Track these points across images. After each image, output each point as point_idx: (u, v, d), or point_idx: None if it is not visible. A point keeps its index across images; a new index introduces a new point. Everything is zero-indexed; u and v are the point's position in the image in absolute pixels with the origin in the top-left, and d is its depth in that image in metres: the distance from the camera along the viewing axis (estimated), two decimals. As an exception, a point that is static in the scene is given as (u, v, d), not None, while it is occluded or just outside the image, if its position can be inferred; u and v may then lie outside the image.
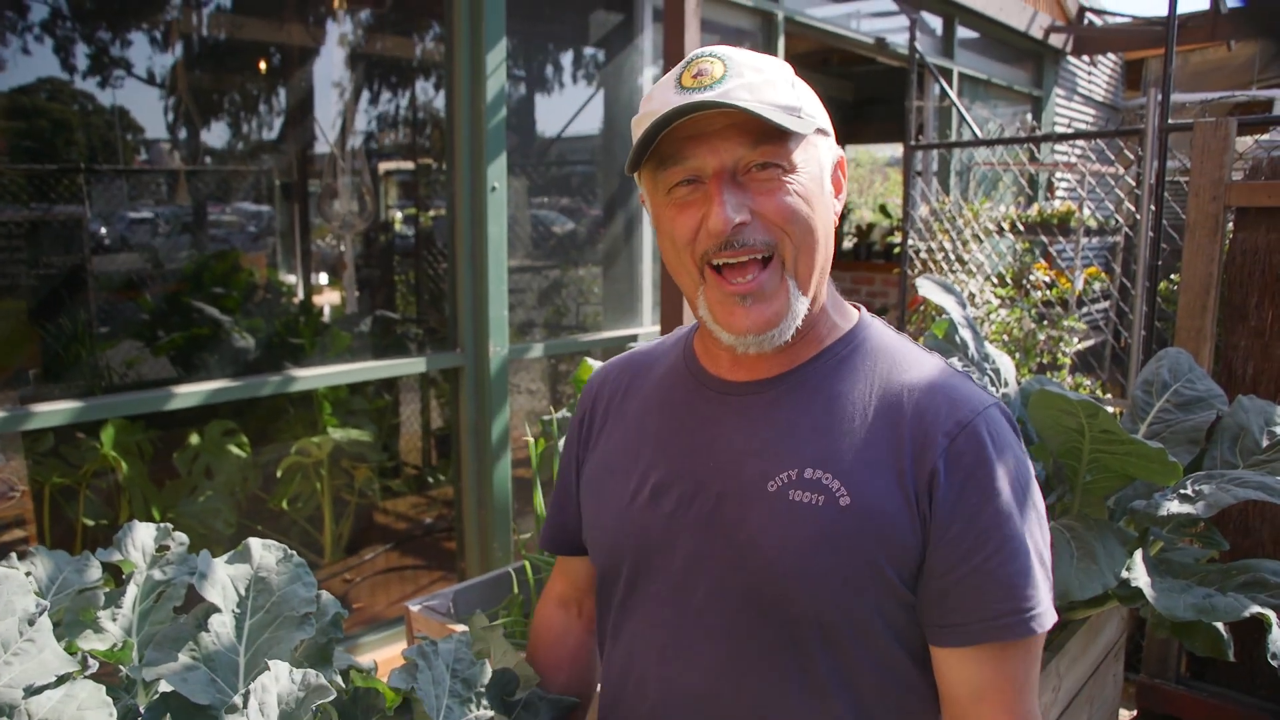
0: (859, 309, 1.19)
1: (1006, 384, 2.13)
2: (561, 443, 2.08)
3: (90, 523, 3.10)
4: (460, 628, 1.95)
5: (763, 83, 1.00)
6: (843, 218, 9.70)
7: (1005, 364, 2.16)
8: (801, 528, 1.02)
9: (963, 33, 6.22)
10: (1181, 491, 1.86)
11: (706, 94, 0.98)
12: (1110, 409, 1.79)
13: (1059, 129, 7.46)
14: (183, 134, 4.57)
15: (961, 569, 1.00)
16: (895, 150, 16.28)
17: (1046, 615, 1.01)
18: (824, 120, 1.07)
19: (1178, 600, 1.72)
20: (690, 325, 1.26)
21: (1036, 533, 1.03)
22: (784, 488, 1.04)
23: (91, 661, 1.18)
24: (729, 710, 1.08)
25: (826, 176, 1.07)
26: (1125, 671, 2.64)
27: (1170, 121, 3.08)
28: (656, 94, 1.03)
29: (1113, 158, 4.32)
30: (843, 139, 10.91)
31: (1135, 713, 2.91)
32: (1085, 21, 7.58)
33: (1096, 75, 8.63)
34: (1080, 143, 6.69)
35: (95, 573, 1.35)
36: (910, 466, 1.02)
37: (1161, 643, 2.85)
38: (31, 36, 3.78)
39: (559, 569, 1.42)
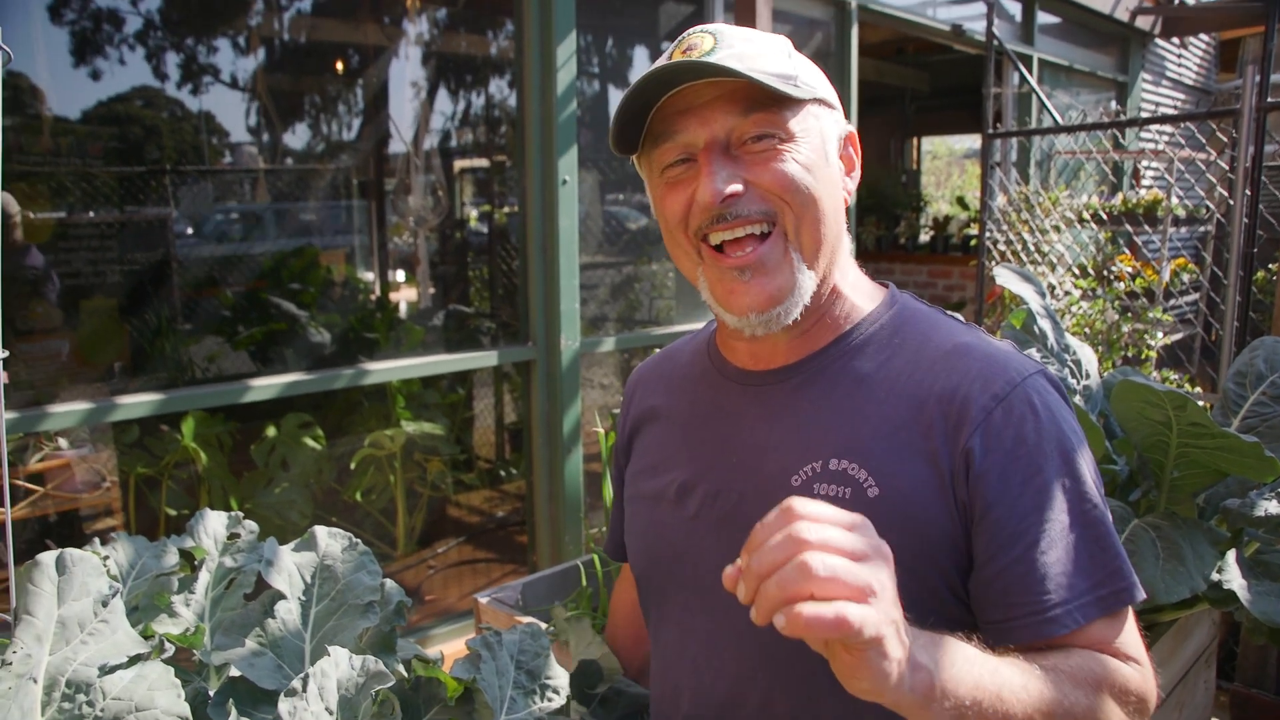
0: (887, 286, 1.13)
1: (1088, 375, 2.05)
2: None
3: (172, 512, 3.20)
4: (527, 620, 1.95)
5: (754, 53, 0.96)
6: (918, 211, 9.54)
7: (1087, 355, 2.08)
8: None
9: (1043, 18, 6.04)
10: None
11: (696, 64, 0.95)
12: (1200, 403, 1.70)
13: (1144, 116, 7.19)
14: (265, 136, 4.68)
15: (1003, 559, 0.92)
16: (973, 142, 15.93)
17: (1071, 613, 0.90)
18: (826, 92, 1.03)
19: (1277, 604, 1.63)
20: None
21: (1090, 508, 0.94)
22: (808, 482, 0.99)
23: (168, 645, 1.20)
24: (760, 711, 1.03)
25: (831, 149, 1.02)
26: (1218, 679, 2.53)
27: (1269, 100, 2.94)
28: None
29: (1204, 141, 4.15)
30: (918, 130, 10.78)
31: (1228, 721, 2.78)
32: (1175, 1, 7.29)
33: (1187, 58, 8.30)
34: (1168, 128, 6.44)
35: (172, 558, 1.38)
36: (943, 447, 0.95)
37: (1259, 650, 2.72)
38: (126, 47, 3.91)
39: (625, 577, 1.38)
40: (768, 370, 1.08)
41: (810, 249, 0.99)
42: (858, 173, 1.08)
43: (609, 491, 2.29)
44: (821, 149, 1.00)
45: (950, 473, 0.94)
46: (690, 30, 1.00)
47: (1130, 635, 0.94)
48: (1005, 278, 2.09)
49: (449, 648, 3.18)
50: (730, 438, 1.07)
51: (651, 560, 1.14)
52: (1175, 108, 8.04)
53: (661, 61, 0.98)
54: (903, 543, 0.90)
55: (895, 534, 0.90)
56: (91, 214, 3.64)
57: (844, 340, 1.05)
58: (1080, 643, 0.92)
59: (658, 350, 1.32)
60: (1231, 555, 1.78)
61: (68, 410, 2.43)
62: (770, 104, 0.96)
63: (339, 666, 0.98)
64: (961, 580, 0.96)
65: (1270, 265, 4.24)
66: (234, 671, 1.09)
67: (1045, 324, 2.00)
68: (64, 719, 0.95)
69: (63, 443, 3.02)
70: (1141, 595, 0.94)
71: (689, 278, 1.04)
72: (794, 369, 1.06)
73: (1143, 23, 6.98)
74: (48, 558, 1.04)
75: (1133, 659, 0.93)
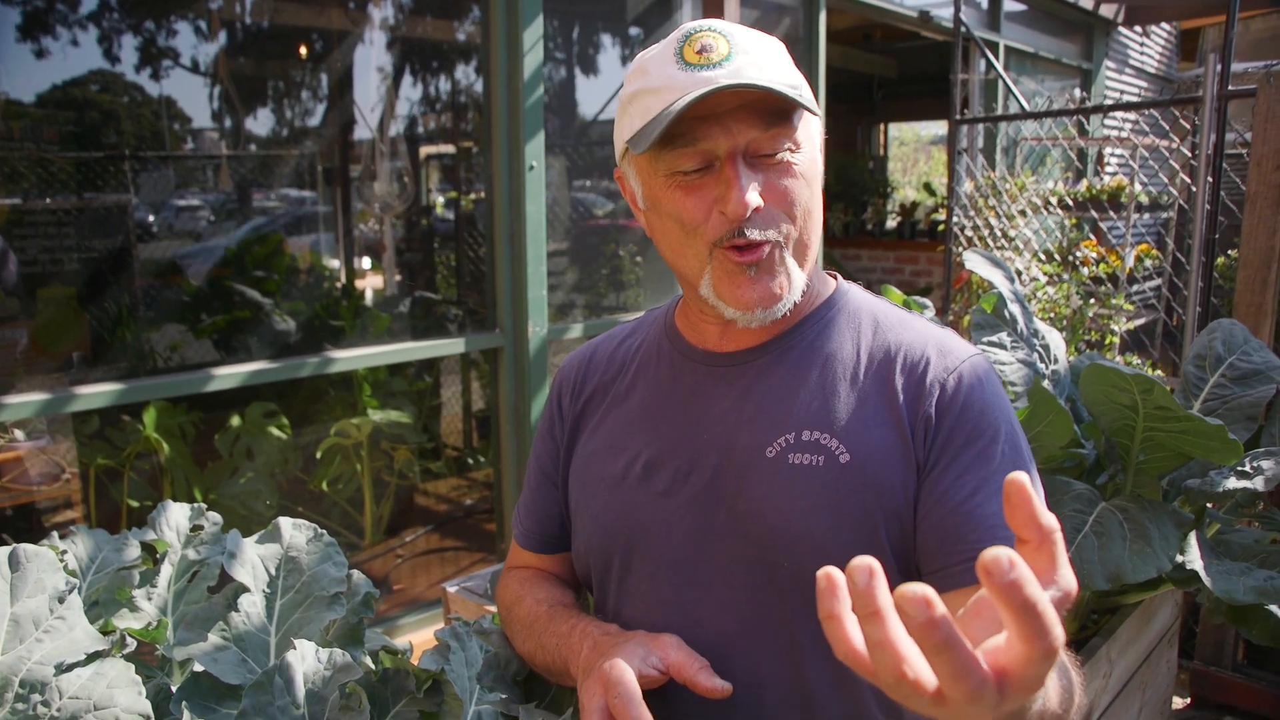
0: (835, 276, 1.19)
1: (1056, 360, 2.06)
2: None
3: (135, 504, 3.14)
4: (496, 609, 1.94)
5: (770, 62, 0.99)
6: (886, 197, 9.59)
7: (1055, 339, 2.10)
8: (804, 489, 1.01)
9: (1009, 5, 6.08)
10: (1239, 468, 1.79)
11: (719, 72, 0.96)
12: (1165, 386, 1.72)
13: (1108, 103, 7.26)
14: (226, 121, 4.60)
15: (941, 509, 0.99)
16: (939, 128, 16.02)
17: None
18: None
19: (1236, 583, 1.65)
20: (666, 304, 1.24)
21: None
22: (782, 452, 1.04)
23: (130, 640, 1.18)
24: (744, 682, 1.05)
25: (819, 156, 1.07)
26: (1179, 658, 2.57)
27: (1230, 89, 2.97)
28: (653, 69, 1.00)
29: (1167, 128, 4.19)
30: (885, 116, 10.83)
31: (1189, 700, 2.83)
32: (1137, -10, 7.36)
33: (1149, 46, 8.39)
34: (1132, 115, 6.51)
35: (134, 552, 1.35)
36: (905, 414, 1.03)
37: (1217, 628, 2.77)
38: (82, 29, 3.83)
39: (543, 567, 1.31)
40: (735, 351, 1.11)
41: (802, 254, 1.04)
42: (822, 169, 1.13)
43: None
44: (816, 158, 1.05)
45: (912, 437, 1.02)
46: (695, 26, 1.01)
47: None
48: (974, 262, 2.09)
49: (418, 637, 3.16)
50: (699, 415, 1.10)
51: (612, 538, 1.15)
52: (1138, 95, 8.13)
53: (671, 61, 0.98)
54: (872, 503, 1.00)
55: (866, 495, 1.00)
56: (48, 200, 3.56)
57: (806, 323, 1.11)
58: None
59: (589, 339, 1.31)
60: (1194, 536, 1.81)
61: (25, 401, 2.38)
62: (785, 116, 0.98)
63: (305, 660, 0.96)
64: (906, 542, 1.03)
65: (1230, 251, 4.30)
66: (197, 666, 1.07)
67: (1015, 309, 2.01)
68: None
69: (19, 434, 2.95)
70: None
71: (688, 277, 1.06)
72: (761, 349, 1.10)
73: (1106, 11, 7.04)
74: (0, 553, 1.01)
75: None
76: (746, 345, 1.11)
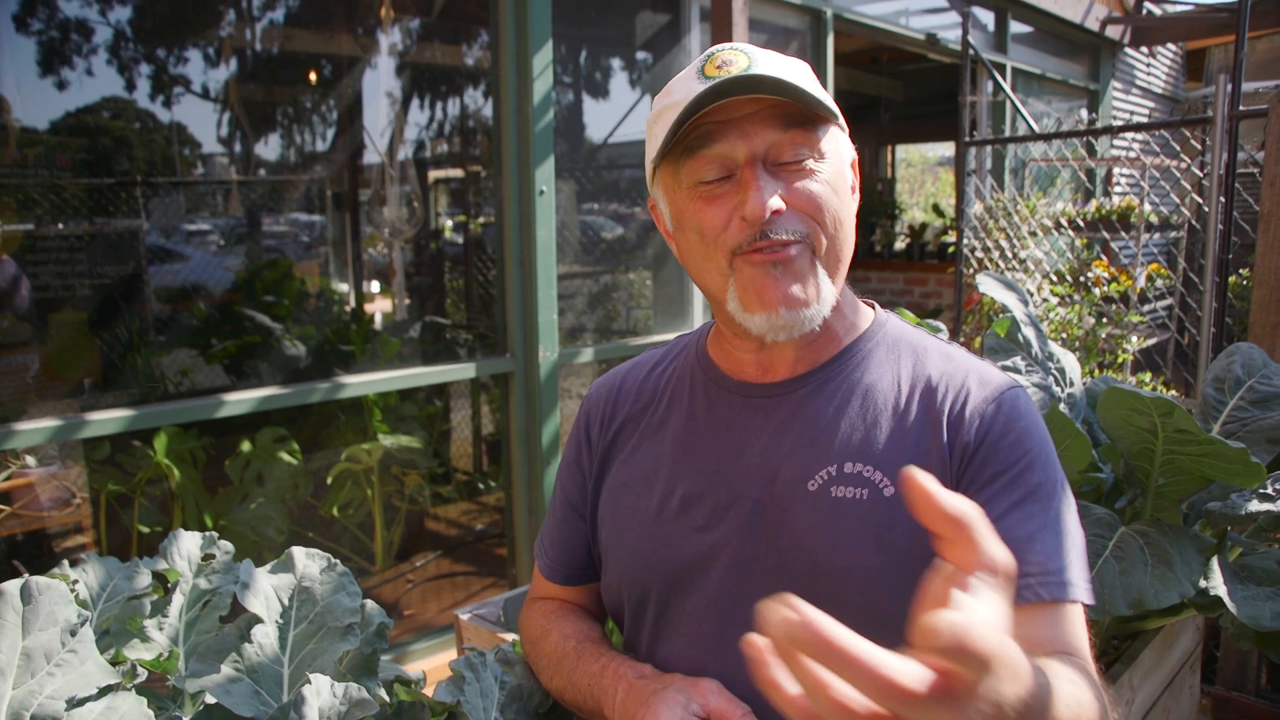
0: (873, 305, 1.17)
1: (1072, 383, 2.04)
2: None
3: (145, 530, 3.13)
4: (510, 637, 1.92)
5: (788, 72, 0.99)
6: (894, 218, 9.60)
7: (1070, 363, 2.08)
8: (847, 523, 1.00)
9: (1016, 27, 6.09)
10: (1262, 491, 1.76)
11: (737, 80, 0.96)
12: (1185, 409, 1.70)
13: (1117, 124, 7.27)
14: (236, 146, 4.63)
15: None
16: (946, 150, 16.05)
17: (1073, 586, 0.95)
18: (840, 117, 1.07)
19: (1263, 609, 1.63)
20: (697, 331, 1.22)
21: (1058, 508, 1.00)
22: (825, 485, 1.02)
23: (140, 671, 1.16)
24: None
25: (848, 171, 1.06)
26: (1200, 683, 2.53)
27: (1241, 109, 2.96)
28: (676, 86, 1.01)
29: (1178, 148, 4.18)
30: (893, 138, 10.85)
31: (1211, 726, 2.79)
32: (1144, 11, 7.38)
33: (1156, 67, 8.41)
34: (1141, 136, 6.51)
35: (145, 580, 1.34)
36: (947, 444, 1.02)
37: (1239, 653, 2.73)
38: (95, 57, 3.86)
39: (567, 598, 1.29)
40: (773, 383, 1.09)
41: (833, 266, 1.03)
42: (858, 194, 1.10)
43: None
44: (843, 170, 1.04)
45: (954, 468, 1.01)
46: (720, 48, 1.02)
47: (1080, 634, 0.96)
48: (988, 285, 2.08)
49: (430, 664, 3.13)
50: (738, 448, 1.08)
51: (649, 573, 1.12)
52: (1145, 115, 8.13)
53: (693, 78, 0.99)
54: (920, 537, 0.96)
55: (910, 528, 0.97)
56: (60, 226, 3.58)
57: (845, 354, 1.09)
58: (1039, 621, 0.94)
59: (614, 366, 1.29)
60: (1215, 561, 1.78)
61: (36, 427, 2.38)
62: (806, 123, 0.98)
63: (320, 694, 0.95)
64: None
65: (1242, 270, 4.28)
66: (210, 699, 1.06)
67: (1029, 332, 1.99)
68: (31, 754, 0.91)
69: (30, 460, 2.95)
70: (1089, 599, 0.97)
71: (713, 292, 1.05)
72: (800, 380, 1.08)
73: (1113, 32, 7.05)
74: (12, 586, 1.00)
75: (1079, 654, 0.93)
76: (784, 376, 1.09)
